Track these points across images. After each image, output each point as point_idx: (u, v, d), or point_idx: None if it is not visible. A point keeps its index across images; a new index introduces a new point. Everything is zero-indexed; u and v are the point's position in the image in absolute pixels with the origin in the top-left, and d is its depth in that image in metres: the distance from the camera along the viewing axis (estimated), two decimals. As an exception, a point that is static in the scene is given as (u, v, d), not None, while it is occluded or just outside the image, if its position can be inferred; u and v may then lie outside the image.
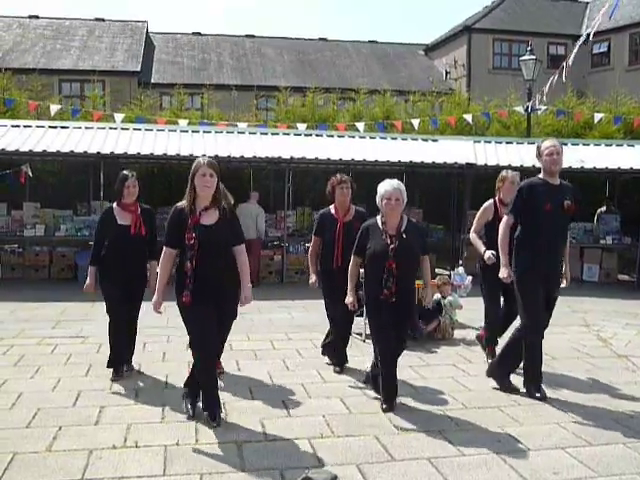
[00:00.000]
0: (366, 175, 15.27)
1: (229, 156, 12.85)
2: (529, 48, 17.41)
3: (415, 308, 6.12)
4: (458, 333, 8.55)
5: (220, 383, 5.60)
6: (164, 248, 5.09)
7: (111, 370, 6.34)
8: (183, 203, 5.00)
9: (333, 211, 7.01)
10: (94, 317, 9.24)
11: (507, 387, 6.13)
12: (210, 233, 4.90)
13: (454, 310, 8.65)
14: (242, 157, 12.90)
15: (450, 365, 7.09)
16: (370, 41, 33.65)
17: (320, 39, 33.20)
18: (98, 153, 12.51)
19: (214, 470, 4.26)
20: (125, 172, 6.49)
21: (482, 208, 7.23)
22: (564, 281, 6.13)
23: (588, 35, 11.91)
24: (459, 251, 13.39)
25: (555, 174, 5.94)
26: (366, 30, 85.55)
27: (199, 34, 32.09)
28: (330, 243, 6.72)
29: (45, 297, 10.89)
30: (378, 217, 5.69)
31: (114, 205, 6.45)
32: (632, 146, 14.89)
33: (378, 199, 5.60)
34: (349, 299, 5.78)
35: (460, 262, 11.47)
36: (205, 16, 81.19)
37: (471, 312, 9.40)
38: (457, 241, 14.01)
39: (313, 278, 6.95)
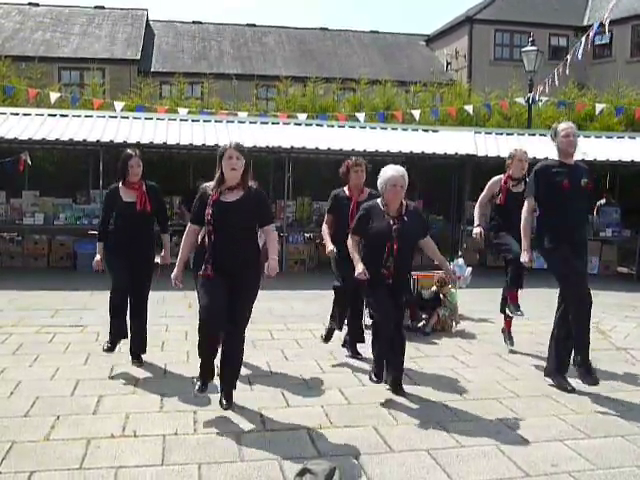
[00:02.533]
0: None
1: (229, 145, 12.81)
2: (530, 39, 17.36)
3: (411, 296, 6.13)
4: (457, 325, 8.52)
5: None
6: (188, 224, 5.26)
7: (107, 345, 6.43)
8: (211, 183, 5.09)
9: (347, 192, 7.00)
10: (93, 306, 9.24)
11: (563, 385, 6.01)
12: (228, 210, 4.98)
13: (452, 304, 8.60)
14: (242, 146, 12.84)
15: (449, 356, 7.08)
16: (371, 31, 33.52)
17: (321, 29, 33.07)
18: (97, 141, 12.46)
19: (212, 460, 4.26)
20: (129, 151, 6.51)
21: (491, 180, 7.56)
22: None
23: (601, 24, 11.85)
24: (459, 242, 13.37)
25: (571, 156, 6.04)
26: (367, 20, 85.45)
27: (200, 23, 31.95)
28: (344, 221, 6.68)
29: (44, 286, 10.88)
30: (379, 200, 5.71)
31: (119, 184, 6.47)
32: (633, 138, 14.86)
33: (382, 183, 5.61)
34: (359, 269, 5.58)
35: (460, 253, 11.45)
36: (206, 4, 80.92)
37: (470, 304, 9.42)
38: (457, 232, 13.99)
39: (331, 246, 6.78)
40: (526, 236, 6.14)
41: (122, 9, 31.06)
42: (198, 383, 5.19)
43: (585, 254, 6.08)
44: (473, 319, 9.02)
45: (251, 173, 5.16)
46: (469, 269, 9.31)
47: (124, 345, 7.15)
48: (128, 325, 6.51)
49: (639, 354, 7.37)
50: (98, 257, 6.49)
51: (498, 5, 30.16)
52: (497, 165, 14.99)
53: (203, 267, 5.02)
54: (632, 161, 13.42)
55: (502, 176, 7.44)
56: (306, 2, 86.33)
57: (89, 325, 8.07)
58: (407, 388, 5.82)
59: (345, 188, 7.08)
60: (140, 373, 6.14)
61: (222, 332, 5.13)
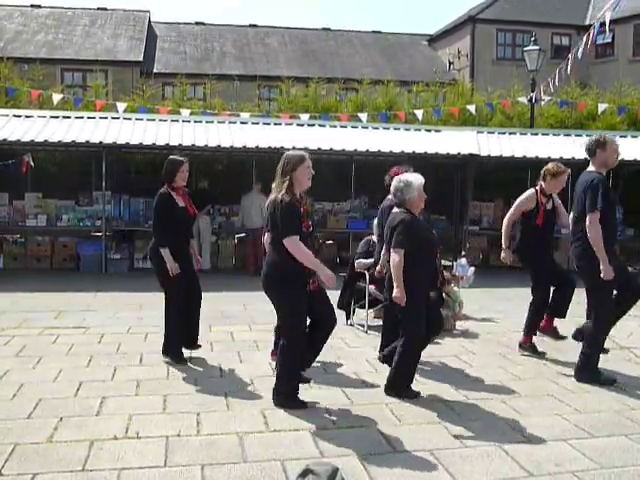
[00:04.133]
0: (369, 166, 15.29)
1: (231, 146, 12.84)
2: (533, 38, 17.36)
3: None
4: (460, 325, 8.52)
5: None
6: (291, 238, 4.99)
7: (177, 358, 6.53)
8: (286, 196, 4.99)
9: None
10: (96, 307, 9.26)
11: (602, 380, 6.08)
12: (312, 222, 5.24)
13: (456, 304, 8.59)
14: (245, 147, 12.87)
15: (453, 356, 7.06)
16: (374, 31, 33.53)
17: (323, 29, 33.09)
18: (100, 143, 12.47)
19: (215, 461, 4.25)
20: (178, 157, 6.69)
21: (525, 196, 7.12)
22: None
23: (603, 24, 11.81)
24: (462, 242, 13.36)
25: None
26: (370, 20, 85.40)
27: (202, 24, 31.99)
28: None
29: (47, 287, 10.89)
30: (399, 209, 5.64)
31: (168, 189, 6.53)
32: (636, 137, 14.83)
33: (414, 190, 5.56)
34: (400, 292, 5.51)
35: (462, 253, 11.43)
36: (208, 5, 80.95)
37: (473, 303, 9.41)
38: (460, 232, 13.97)
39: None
40: (602, 250, 5.84)
41: (124, 10, 31.13)
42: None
43: None
44: (476, 319, 9.01)
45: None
46: (472, 269, 9.31)
47: (124, 344, 7.19)
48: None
49: (643, 353, 7.35)
50: (171, 263, 6.33)
51: (500, 5, 30.15)
52: (499, 165, 15.14)
53: (310, 280, 5.11)
54: (635, 160, 13.38)
55: (533, 192, 7.07)
56: (308, 2, 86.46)
57: (92, 326, 8.07)
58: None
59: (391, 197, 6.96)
60: (143, 374, 6.14)
61: None
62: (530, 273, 7.14)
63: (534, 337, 7.19)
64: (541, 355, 7.09)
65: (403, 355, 5.55)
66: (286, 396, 5.26)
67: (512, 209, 7.19)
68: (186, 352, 6.67)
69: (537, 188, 7.11)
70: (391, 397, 5.57)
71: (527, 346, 7.15)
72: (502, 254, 7.20)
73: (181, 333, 6.60)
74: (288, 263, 5.06)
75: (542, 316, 7.12)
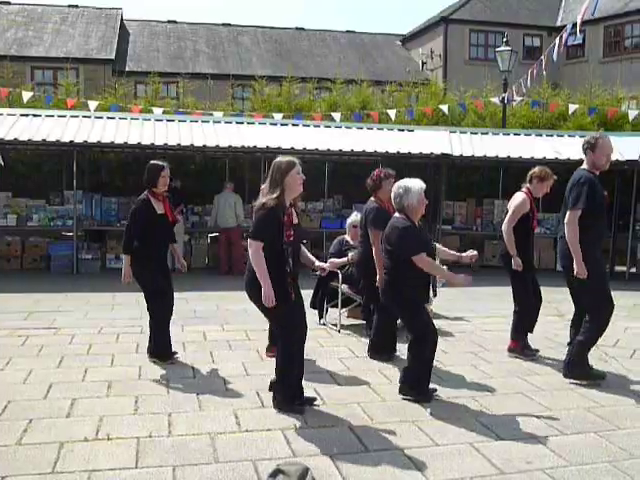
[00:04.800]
0: (342, 165, 15.32)
1: (204, 145, 12.79)
2: (505, 39, 17.50)
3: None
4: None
5: None
6: (255, 242, 4.94)
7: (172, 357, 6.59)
8: (270, 201, 4.94)
9: (382, 204, 6.81)
10: (67, 308, 9.16)
11: (592, 375, 6.15)
12: (299, 231, 5.12)
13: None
14: (217, 147, 12.83)
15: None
16: (347, 31, 33.55)
17: (297, 28, 33.05)
18: (71, 142, 12.33)
19: (187, 462, 4.24)
20: (159, 162, 6.65)
21: (519, 202, 6.97)
22: None
23: (574, 25, 11.91)
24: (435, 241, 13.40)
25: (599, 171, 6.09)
26: (344, 20, 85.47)
27: (174, 22, 31.77)
28: None
29: (17, 288, 10.76)
30: (399, 215, 5.61)
31: (147, 195, 6.52)
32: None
33: (414, 195, 5.50)
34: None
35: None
36: (180, 3, 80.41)
37: (447, 303, 9.47)
38: (433, 232, 14.04)
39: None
40: (578, 249, 5.93)
41: (96, 8, 30.78)
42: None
43: None
44: (448, 318, 9.07)
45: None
46: (444, 267, 9.34)
47: (95, 345, 7.13)
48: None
49: (612, 351, 7.45)
50: (125, 269, 6.47)
51: (473, 5, 30.37)
52: (472, 164, 15.24)
53: (290, 290, 5.00)
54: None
55: (524, 194, 7.01)
56: (282, 2, 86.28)
57: (63, 327, 7.99)
58: (382, 387, 5.86)
59: (373, 200, 6.92)
60: (114, 375, 6.08)
61: None
62: (514, 278, 7.07)
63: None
64: (534, 355, 7.11)
65: (418, 356, 5.61)
66: (282, 400, 5.22)
67: (510, 215, 6.98)
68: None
69: (525, 191, 7.07)
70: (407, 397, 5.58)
71: (515, 349, 7.14)
72: (514, 263, 6.85)
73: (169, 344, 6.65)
74: (270, 271, 4.97)
75: (529, 319, 7.15)
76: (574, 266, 5.90)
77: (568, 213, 5.97)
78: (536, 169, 7.14)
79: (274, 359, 5.30)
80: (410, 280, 5.51)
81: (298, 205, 5.26)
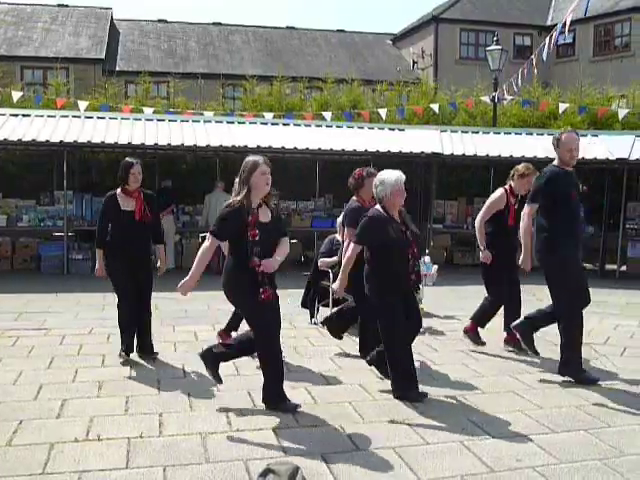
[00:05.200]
0: (334, 164, 15.31)
1: (195, 145, 12.77)
2: (495, 38, 17.54)
3: None
4: (424, 322, 8.56)
5: None
6: (210, 237, 5.06)
7: (122, 352, 6.52)
8: (236, 200, 4.99)
9: (363, 202, 6.76)
10: (58, 309, 9.13)
11: (584, 379, 6.13)
12: (270, 230, 5.04)
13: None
14: (208, 146, 12.82)
15: (416, 354, 7.00)
16: (338, 30, 33.57)
17: (288, 27, 33.05)
18: (61, 142, 12.29)
19: (177, 462, 4.23)
20: (129, 159, 6.60)
21: (495, 197, 7.21)
22: None
23: (564, 25, 11.93)
24: (425, 240, 13.44)
25: (569, 167, 6.12)
26: (334, 19, 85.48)
27: (165, 21, 31.72)
28: None
29: (7, 288, 10.71)
30: (378, 207, 5.63)
31: (117, 191, 6.52)
32: (596, 136, 15.06)
33: (388, 186, 5.53)
34: (340, 285, 5.90)
35: (427, 251, 11.52)
36: (171, 3, 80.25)
37: (437, 301, 9.49)
38: (424, 230, 14.05)
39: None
40: (528, 242, 6.28)
41: (86, 7, 30.70)
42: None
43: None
44: (439, 316, 9.08)
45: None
46: (435, 267, 9.38)
47: (86, 345, 7.11)
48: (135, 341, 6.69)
49: (602, 349, 7.48)
50: (98, 264, 6.59)
51: (464, 4, 30.42)
52: (463, 163, 15.27)
53: (261, 289, 4.96)
54: (595, 158, 13.59)
55: (502, 190, 7.18)
56: (273, 1, 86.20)
57: (54, 328, 7.96)
58: (374, 386, 5.87)
59: (355, 199, 6.87)
60: (105, 376, 6.07)
61: None
62: (487, 271, 7.25)
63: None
64: (480, 344, 7.31)
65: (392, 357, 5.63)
66: (275, 399, 5.23)
67: (484, 209, 7.25)
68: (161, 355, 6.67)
69: (506, 188, 7.20)
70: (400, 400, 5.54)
71: (469, 334, 7.34)
72: (482, 255, 7.15)
73: (127, 347, 6.59)
74: (238, 271, 5.05)
75: (494, 311, 7.31)
76: (555, 261, 6.03)
77: (524, 208, 6.27)
78: (519, 166, 7.27)
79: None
80: (384, 270, 5.52)
81: (271, 204, 5.18)
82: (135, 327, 6.64)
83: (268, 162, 5.11)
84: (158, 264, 6.92)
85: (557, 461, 4.37)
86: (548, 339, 7.30)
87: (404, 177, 5.60)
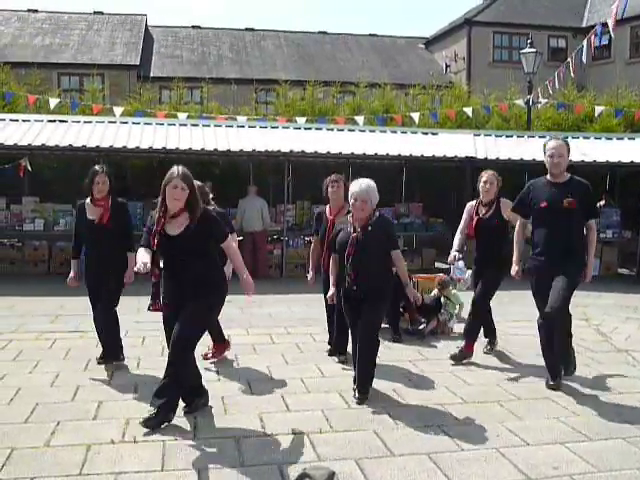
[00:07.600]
0: (365, 169, 15.27)
1: (228, 150, 12.84)
2: (529, 41, 17.37)
3: (383, 306, 5.89)
4: (458, 327, 8.51)
5: None
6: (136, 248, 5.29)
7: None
8: (157, 212, 5.00)
9: (327, 210, 7.02)
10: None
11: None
12: (177, 242, 4.93)
13: (456, 306, 8.62)
14: (241, 151, 12.87)
15: (449, 359, 7.05)
16: (370, 34, 33.53)
17: (320, 32, 33.08)
18: (97, 147, 12.47)
19: (212, 465, 4.25)
20: (96, 167, 6.47)
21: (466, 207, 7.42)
22: (585, 276, 6.02)
23: (605, 24, 11.78)
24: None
25: (556, 175, 6.07)
26: (366, 23, 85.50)
27: (198, 27, 31.98)
28: (322, 242, 6.71)
29: (44, 291, 10.85)
30: (349, 215, 5.77)
31: (87, 201, 6.45)
32: (633, 139, 14.85)
33: (349, 197, 5.64)
34: (330, 292, 5.98)
35: (460, 256, 11.43)
36: (205, 9, 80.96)
37: (468, 305, 9.38)
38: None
39: (310, 274, 7.22)
40: (518, 248, 6.42)
41: (121, 14, 31.09)
42: None
43: (556, 267, 5.94)
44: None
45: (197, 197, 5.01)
46: (469, 271, 9.26)
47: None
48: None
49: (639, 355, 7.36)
50: (71, 274, 6.60)
51: (497, 7, 30.19)
52: (497, 167, 15.06)
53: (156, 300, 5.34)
54: (632, 162, 13.39)
55: (474, 202, 7.32)
56: (305, 6, 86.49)
57: (89, 331, 8.00)
58: (407, 391, 5.84)
59: (327, 206, 7.05)
60: (141, 378, 6.13)
61: None
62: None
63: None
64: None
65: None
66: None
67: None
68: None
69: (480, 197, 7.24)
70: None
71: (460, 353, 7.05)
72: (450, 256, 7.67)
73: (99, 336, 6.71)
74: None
75: (480, 324, 7.19)
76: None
77: None
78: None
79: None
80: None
81: (198, 211, 4.95)
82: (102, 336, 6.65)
83: (186, 175, 4.90)
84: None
85: (594, 469, 4.31)
86: (584, 345, 7.20)
87: (361, 189, 5.51)
